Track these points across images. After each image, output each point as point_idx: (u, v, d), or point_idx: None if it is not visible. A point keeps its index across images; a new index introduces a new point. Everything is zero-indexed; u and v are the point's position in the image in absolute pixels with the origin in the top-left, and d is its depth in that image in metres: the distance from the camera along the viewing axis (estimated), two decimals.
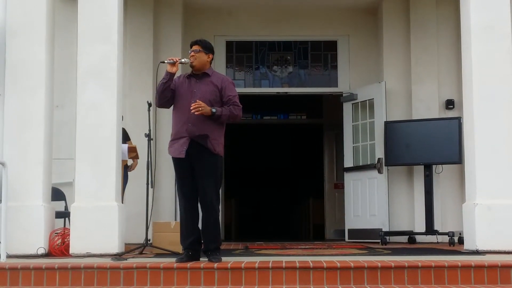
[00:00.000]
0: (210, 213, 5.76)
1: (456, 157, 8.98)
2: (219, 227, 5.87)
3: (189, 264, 5.39)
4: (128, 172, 8.25)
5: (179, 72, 6.10)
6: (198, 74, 5.89)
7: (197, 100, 5.66)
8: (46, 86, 7.03)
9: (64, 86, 8.89)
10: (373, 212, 9.72)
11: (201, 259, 5.77)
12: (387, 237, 9.04)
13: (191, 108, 5.63)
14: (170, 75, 5.82)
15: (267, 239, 11.23)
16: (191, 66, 5.88)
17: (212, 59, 5.98)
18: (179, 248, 6.94)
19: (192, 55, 5.86)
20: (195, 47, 5.89)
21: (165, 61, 5.85)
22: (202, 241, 5.83)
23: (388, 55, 9.99)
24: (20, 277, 5.44)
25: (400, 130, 9.41)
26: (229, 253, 6.34)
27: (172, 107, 6.03)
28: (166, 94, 5.86)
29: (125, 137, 7.97)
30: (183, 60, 5.92)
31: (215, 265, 5.34)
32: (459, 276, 5.27)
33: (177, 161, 5.84)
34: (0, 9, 7.15)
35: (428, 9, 9.87)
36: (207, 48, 5.92)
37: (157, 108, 9.10)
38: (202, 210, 5.80)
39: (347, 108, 10.30)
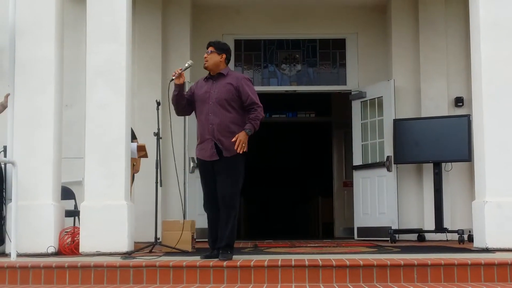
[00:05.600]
0: (226, 210, 5.77)
1: (465, 154, 8.95)
2: (233, 225, 5.82)
3: (198, 263, 5.40)
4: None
5: (194, 75, 6.18)
6: (214, 76, 5.96)
7: (236, 140, 5.72)
8: (55, 85, 7.06)
9: (73, 86, 8.91)
10: (382, 210, 9.70)
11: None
12: (396, 235, 9.03)
13: (238, 151, 5.72)
14: (179, 86, 5.91)
15: (276, 237, 11.23)
16: (205, 67, 5.96)
17: (227, 58, 6.02)
18: (188, 247, 6.99)
19: (205, 57, 5.95)
20: (209, 49, 5.97)
21: (173, 78, 5.90)
22: (218, 238, 5.85)
23: (396, 52, 9.97)
24: (31, 276, 5.46)
25: (409, 128, 9.39)
26: (238, 251, 6.35)
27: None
28: (181, 103, 5.99)
29: (132, 137, 7.98)
30: (186, 65, 6.05)
31: (225, 263, 5.35)
32: (468, 274, 5.26)
33: (200, 162, 5.95)
34: (10, 8, 7.18)
35: (437, 7, 9.84)
36: (220, 48, 5.98)
37: (164, 107, 9.14)
38: (221, 207, 5.81)
39: (356, 106, 10.29)
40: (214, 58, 5.92)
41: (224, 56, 5.97)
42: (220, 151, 5.79)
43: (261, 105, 5.92)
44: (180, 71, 5.89)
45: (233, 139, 5.71)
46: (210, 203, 5.89)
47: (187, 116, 9.43)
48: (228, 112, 5.81)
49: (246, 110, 5.88)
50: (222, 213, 5.79)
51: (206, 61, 5.92)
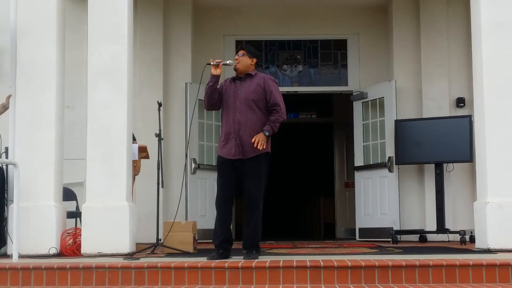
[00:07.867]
0: (252, 213, 5.97)
1: (467, 155, 8.94)
2: (259, 227, 6.01)
3: (200, 264, 5.40)
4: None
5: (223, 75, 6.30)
6: (242, 77, 6.14)
7: (255, 140, 5.86)
8: (57, 86, 7.06)
9: (74, 87, 8.90)
10: (384, 211, 9.70)
11: (232, 257, 5.89)
12: (398, 236, 9.01)
13: (258, 147, 5.88)
14: (216, 77, 6.06)
15: (278, 238, 11.22)
16: (235, 69, 6.14)
17: (257, 62, 6.26)
18: (190, 248, 6.98)
19: (237, 59, 6.15)
20: (240, 52, 6.20)
21: (211, 63, 6.05)
22: (243, 239, 6.08)
23: (398, 53, 9.97)
24: (32, 277, 5.46)
25: (410, 129, 9.38)
26: (240, 252, 6.34)
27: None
28: (214, 96, 6.11)
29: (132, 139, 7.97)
30: (227, 62, 6.19)
31: (226, 264, 5.36)
32: (470, 275, 5.26)
33: (222, 160, 6.05)
34: (11, 9, 7.18)
35: (438, 7, 9.84)
36: (251, 52, 6.23)
37: (166, 108, 9.14)
38: (245, 208, 6.01)
39: (357, 106, 10.28)
40: (246, 61, 6.14)
41: (255, 60, 6.22)
42: (243, 150, 5.94)
43: (284, 106, 6.08)
44: (219, 61, 6.07)
45: (252, 140, 5.86)
46: (223, 202, 6.01)
47: (187, 117, 9.50)
48: (254, 112, 5.99)
49: (269, 111, 6.05)
50: (247, 215, 5.99)
51: (238, 62, 6.11)
